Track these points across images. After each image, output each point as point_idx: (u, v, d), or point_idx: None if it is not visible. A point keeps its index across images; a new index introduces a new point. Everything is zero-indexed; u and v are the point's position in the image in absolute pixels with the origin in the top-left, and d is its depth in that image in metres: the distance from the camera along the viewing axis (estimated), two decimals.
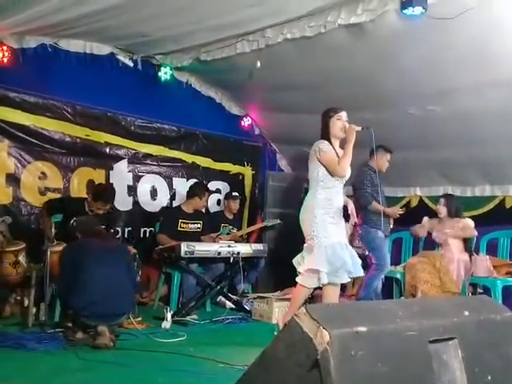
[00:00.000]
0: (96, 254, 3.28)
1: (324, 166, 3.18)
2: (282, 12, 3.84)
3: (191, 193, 4.76)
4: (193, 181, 5.39)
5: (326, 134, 3.26)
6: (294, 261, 3.26)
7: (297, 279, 3.20)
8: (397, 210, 4.46)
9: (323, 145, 3.19)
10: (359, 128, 3.22)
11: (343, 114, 3.27)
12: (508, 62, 3.71)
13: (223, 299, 4.59)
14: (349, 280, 3.30)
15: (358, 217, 4.24)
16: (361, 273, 3.30)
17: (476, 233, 4.58)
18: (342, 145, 3.27)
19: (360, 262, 3.28)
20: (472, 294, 4.39)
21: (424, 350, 1.29)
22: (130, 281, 3.40)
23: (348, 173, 3.24)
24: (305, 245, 3.20)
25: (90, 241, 3.42)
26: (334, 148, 3.23)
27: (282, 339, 1.30)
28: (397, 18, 3.53)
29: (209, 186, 5.53)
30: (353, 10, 3.59)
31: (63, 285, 3.27)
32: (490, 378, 1.43)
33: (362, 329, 1.21)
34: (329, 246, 3.08)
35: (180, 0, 3.60)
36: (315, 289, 3.35)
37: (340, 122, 3.23)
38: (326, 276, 3.07)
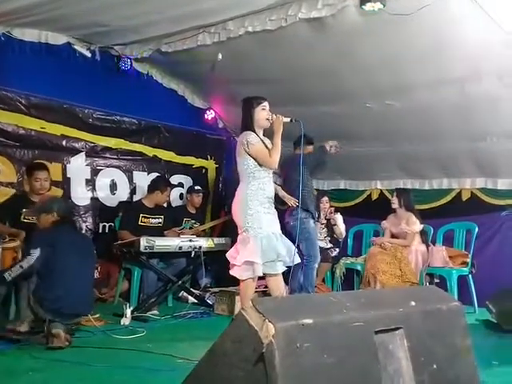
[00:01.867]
0: (70, 244, 3.11)
1: (253, 158, 3.17)
2: (243, 4, 3.82)
3: (152, 187, 4.69)
4: (154, 174, 5.30)
5: (249, 124, 3.24)
6: (228, 254, 3.27)
7: (231, 272, 3.20)
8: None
9: (251, 137, 3.18)
10: (287, 119, 3.24)
11: (266, 104, 3.28)
12: (463, 59, 3.81)
13: (185, 294, 4.56)
14: (284, 269, 3.29)
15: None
16: (297, 260, 3.33)
17: (416, 228, 4.66)
18: (266, 134, 3.28)
19: (295, 249, 3.28)
20: (429, 283, 4.53)
21: (370, 341, 1.31)
22: (92, 278, 3.30)
23: (277, 163, 3.25)
24: (239, 237, 3.20)
25: (64, 228, 3.21)
26: (260, 138, 3.23)
27: (230, 334, 1.29)
28: (356, 13, 3.57)
29: (171, 179, 5.46)
30: (313, 4, 3.60)
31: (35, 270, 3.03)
32: (435, 366, 1.46)
33: (308, 321, 1.22)
34: (264, 237, 3.10)
35: None
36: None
37: (265, 112, 3.24)
38: (260, 268, 3.08)
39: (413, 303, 1.47)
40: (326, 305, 1.31)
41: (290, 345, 1.18)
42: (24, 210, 3.82)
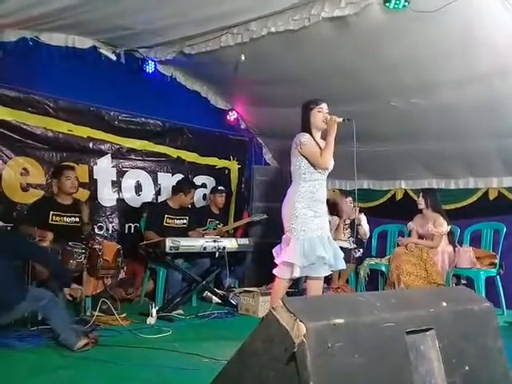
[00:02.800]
0: None
1: (306, 159, 3.17)
2: (266, 5, 3.82)
3: (177, 189, 4.73)
4: (178, 175, 5.36)
5: (306, 126, 3.25)
6: (274, 251, 3.27)
7: (273, 270, 3.20)
8: None
9: (304, 138, 3.18)
10: (340, 119, 3.22)
11: (324, 106, 3.26)
12: (489, 56, 3.73)
13: (209, 294, 4.59)
14: (329, 273, 3.29)
15: None
16: (343, 266, 3.30)
17: (443, 230, 4.59)
18: (324, 136, 3.26)
19: (342, 255, 3.28)
20: (456, 284, 4.45)
21: (401, 341, 1.30)
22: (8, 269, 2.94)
23: (331, 164, 3.23)
24: (283, 236, 3.21)
25: None
26: (315, 140, 3.22)
27: (260, 333, 1.29)
28: (380, 11, 3.53)
29: (194, 180, 5.52)
30: (336, 2, 3.58)
31: None
32: (467, 368, 1.44)
33: (339, 321, 1.21)
34: (306, 240, 3.08)
35: None
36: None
37: (321, 114, 3.23)
38: (299, 270, 3.07)
39: (444, 304, 1.45)
40: (357, 305, 1.30)
41: (321, 344, 1.17)
42: (51, 211, 3.90)
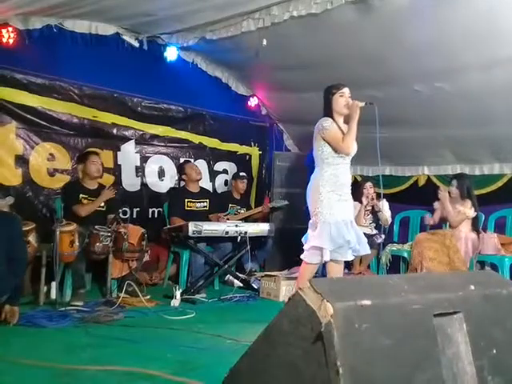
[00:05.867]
0: None
1: (328, 144, 3.16)
2: None
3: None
4: (200, 161, 5.40)
5: (329, 111, 3.23)
6: (303, 239, 3.28)
7: (301, 256, 3.22)
8: None
9: (327, 122, 3.16)
10: (362, 104, 3.18)
11: (346, 91, 3.23)
12: None
13: (231, 278, 4.64)
14: (353, 258, 3.30)
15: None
16: (367, 251, 3.29)
17: (469, 213, 4.53)
18: (347, 121, 3.23)
19: (366, 240, 3.28)
20: (480, 271, 4.39)
21: (428, 324, 1.31)
22: None
23: (354, 149, 3.21)
24: (310, 221, 3.22)
25: None
26: (338, 125, 3.21)
27: (287, 313, 1.31)
28: None
29: (216, 166, 5.58)
30: None
31: None
32: (494, 351, 1.44)
33: (367, 302, 1.23)
34: (333, 223, 3.08)
35: None
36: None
37: (343, 99, 3.20)
38: (328, 253, 3.08)
39: (472, 287, 1.45)
40: (384, 287, 1.32)
41: (348, 325, 1.19)
42: (81, 194, 3.99)
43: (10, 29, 4.06)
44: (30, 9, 4.00)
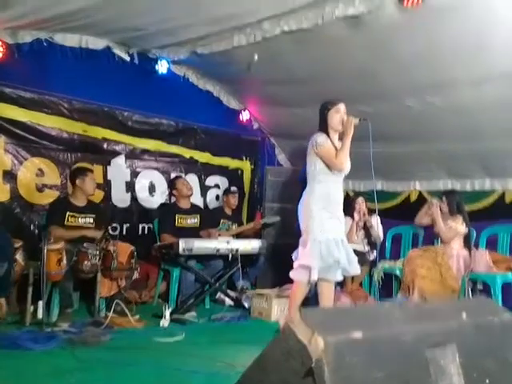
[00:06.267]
0: None
1: (321, 160, 3.13)
2: (278, 4, 3.79)
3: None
4: (191, 176, 5.36)
5: (324, 127, 3.21)
6: (293, 255, 3.24)
7: (290, 273, 3.17)
8: None
9: (321, 138, 3.14)
10: (357, 120, 3.17)
11: (341, 107, 3.22)
12: (504, 54, 3.66)
13: (222, 296, 4.58)
14: (342, 278, 3.25)
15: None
16: (357, 271, 3.26)
17: (460, 229, 4.52)
18: (341, 138, 3.22)
19: (356, 259, 3.24)
20: (471, 290, 4.36)
21: (421, 356, 1.27)
22: None
23: (347, 166, 3.19)
24: (300, 238, 3.18)
25: None
26: (332, 141, 3.18)
27: (279, 344, 1.27)
28: (395, 8, 3.49)
29: (207, 181, 5.56)
30: (350, 1, 3.55)
31: None
32: (487, 381, 1.41)
33: (358, 334, 1.19)
34: (323, 242, 3.04)
35: None
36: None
37: (338, 115, 3.18)
38: (316, 272, 3.03)
39: (464, 316, 1.41)
40: (375, 317, 1.28)
41: (339, 359, 1.15)
42: (68, 212, 3.92)
43: None
44: (20, 23, 3.98)
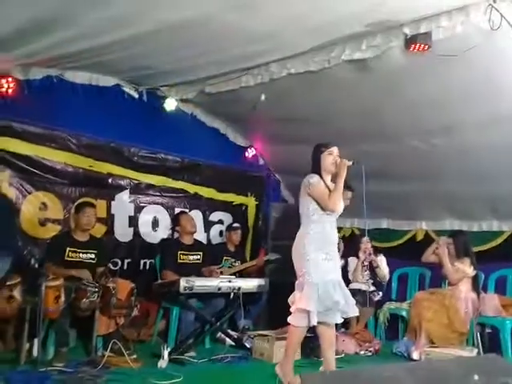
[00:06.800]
0: None
1: (315, 201, 3.12)
2: (286, 47, 3.86)
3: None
4: (195, 212, 5.33)
5: (317, 169, 3.22)
6: (290, 299, 3.16)
7: (288, 319, 3.09)
8: None
9: (313, 179, 3.14)
10: (350, 163, 3.18)
11: (334, 149, 3.24)
12: (511, 98, 3.68)
13: (223, 336, 4.46)
14: (341, 320, 3.15)
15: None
16: (355, 313, 3.17)
17: (469, 271, 4.43)
18: (334, 180, 3.23)
19: (354, 301, 3.15)
20: (480, 333, 4.24)
21: None
22: None
23: (340, 207, 3.17)
24: (296, 282, 3.11)
25: None
26: (325, 182, 3.19)
27: None
28: (401, 54, 3.54)
29: (211, 216, 5.51)
30: (357, 45, 3.60)
31: None
32: None
33: None
34: (321, 284, 2.98)
35: (183, 36, 3.61)
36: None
37: (331, 157, 3.21)
38: (315, 317, 2.95)
39: (476, 377, 1.34)
40: (381, 382, 1.21)
41: None
42: (68, 248, 3.89)
43: (10, 79, 4.08)
44: (31, 60, 4.06)
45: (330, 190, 3.15)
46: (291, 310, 3.07)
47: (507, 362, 1.56)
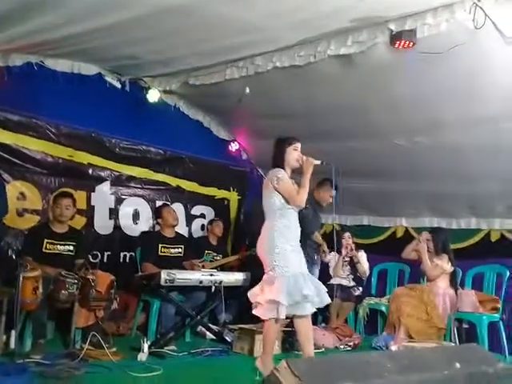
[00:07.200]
0: None
1: (281, 195, 3.13)
2: (272, 41, 3.84)
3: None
4: (177, 205, 5.28)
5: (280, 162, 3.22)
6: (249, 293, 3.16)
7: (254, 311, 3.08)
8: None
9: (280, 173, 3.15)
10: (318, 162, 3.22)
11: (299, 146, 3.27)
12: (495, 98, 3.74)
13: (203, 329, 4.44)
14: (314, 311, 3.14)
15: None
16: (328, 300, 3.17)
17: (447, 267, 4.51)
18: (293, 174, 3.25)
19: (325, 289, 3.16)
20: (457, 329, 4.33)
21: None
22: None
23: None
24: (264, 276, 3.09)
25: None
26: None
27: None
28: (386, 50, 3.56)
29: (193, 210, 5.46)
30: (343, 41, 3.61)
31: None
32: None
33: None
34: (291, 276, 2.99)
35: (169, 25, 3.56)
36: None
37: (296, 153, 3.23)
38: (284, 309, 2.95)
39: (457, 365, 1.36)
40: (365, 367, 1.22)
41: None
42: (45, 240, 3.80)
43: None
44: (10, 46, 3.95)
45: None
46: (258, 300, 3.05)
47: (488, 352, 1.58)
